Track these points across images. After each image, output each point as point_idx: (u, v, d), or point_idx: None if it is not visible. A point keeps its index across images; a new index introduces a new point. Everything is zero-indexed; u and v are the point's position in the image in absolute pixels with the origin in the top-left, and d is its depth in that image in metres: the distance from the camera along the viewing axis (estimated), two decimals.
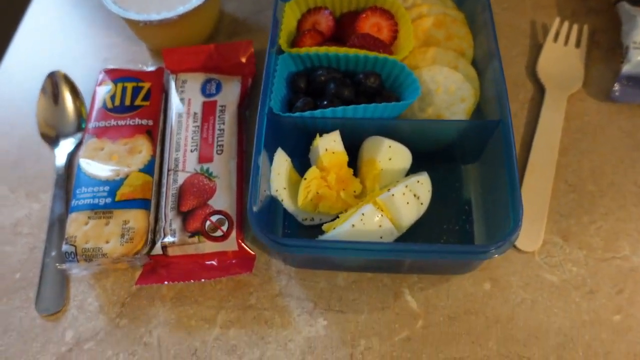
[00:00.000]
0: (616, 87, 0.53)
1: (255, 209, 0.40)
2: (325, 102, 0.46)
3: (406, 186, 0.42)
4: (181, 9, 0.53)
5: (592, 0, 0.62)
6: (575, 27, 0.59)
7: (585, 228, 0.48)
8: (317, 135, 0.45)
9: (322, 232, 0.44)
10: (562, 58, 0.57)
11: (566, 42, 0.58)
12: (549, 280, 0.45)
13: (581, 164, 0.51)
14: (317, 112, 0.45)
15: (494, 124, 0.44)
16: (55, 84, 0.55)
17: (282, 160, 0.45)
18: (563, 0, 0.62)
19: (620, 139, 0.52)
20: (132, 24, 0.55)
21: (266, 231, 0.39)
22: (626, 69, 0.53)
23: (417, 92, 0.47)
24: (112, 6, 0.54)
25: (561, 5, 0.62)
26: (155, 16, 0.53)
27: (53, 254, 0.47)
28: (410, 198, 0.42)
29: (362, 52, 0.48)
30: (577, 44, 0.58)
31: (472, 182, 0.49)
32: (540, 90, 0.56)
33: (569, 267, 0.46)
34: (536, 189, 0.49)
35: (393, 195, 0.41)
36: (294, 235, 0.47)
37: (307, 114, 0.45)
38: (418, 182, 0.43)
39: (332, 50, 0.48)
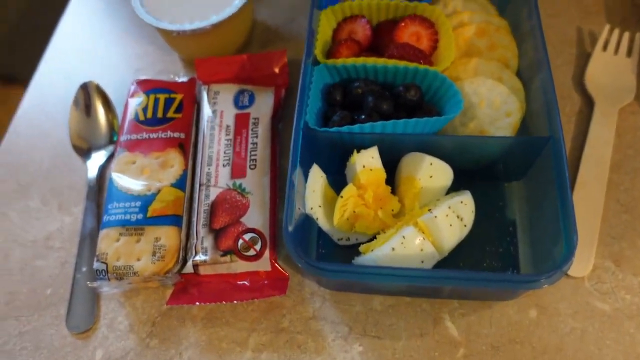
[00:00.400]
0: None
1: (290, 228, 0.38)
2: (363, 117, 0.44)
3: (449, 207, 0.40)
4: (214, 19, 0.52)
5: None
6: (626, 35, 0.55)
7: (639, 252, 0.45)
8: (355, 151, 0.43)
9: (358, 252, 0.43)
10: (612, 68, 0.54)
11: (616, 51, 0.55)
12: (600, 309, 0.42)
13: (634, 182, 0.48)
14: (356, 128, 0.43)
15: (543, 140, 0.42)
16: (87, 95, 0.55)
17: (317, 177, 0.44)
18: (613, 6, 0.59)
19: None
20: (165, 33, 0.54)
21: (302, 254, 0.37)
22: None
23: (459, 105, 0.44)
24: (146, 16, 0.53)
25: (610, 12, 0.59)
26: (188, 26, 0.52)
27: (84, 269, 0.46)
28: (454, 220, 0.40)
29: (401, 64, 0.46)
30: (629, 53, 0.55)
31: (516, 202, 0.47)
32: (588, 103, 0.53)
33: (622, 295, 0.43)
34: (586, 209, 0.46)
35: (436, 217, 0.39)
36: (329, 255, 0.46)
37: (344, 129, 0.43)
38: (461, 202, 0.41)
39: (370, 61, 0.46)
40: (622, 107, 0.52)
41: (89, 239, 0.48)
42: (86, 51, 0.62)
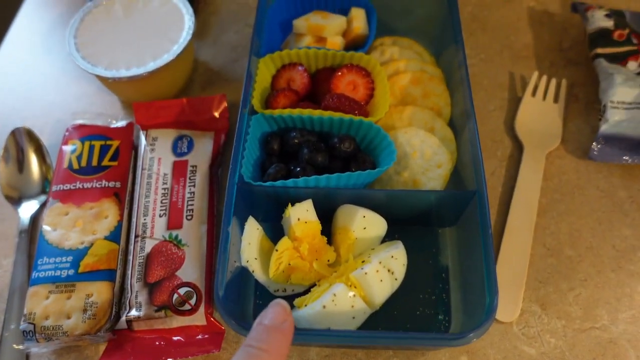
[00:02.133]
0: (594, 146, 0.53)
1: (221, 293, 0.38)
2: (298, 169, 0.45)
3: (380, 262, 0.41)
4: (152, 65, 0.52)
5: (571, 51, 0.62)
6: (553, 82, 0.58)
7: (563, 296, 0.47)
8: (289, 204, 0.44)
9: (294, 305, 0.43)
10: (540, 114, 0.56)
11: (544, 97, 0.58)
12: (527, 353, 0.44)
13: (559, 226, 0.50)
14: (290, 182, 0.43)
15: (470, 194, 0.43)
16: (18, 141, 0.53)
17: (253, 229, 0.44)
18: (542, 51, 0.62)
19: (598, 199, 0.52)
20: (102, 78, 0.53)
21: (234, 316, 0.37)
22: (604, 128, 0.52)
23: (392, 156, 0.46)
24: (81, 61, 0.52)
25: (540, 57, 0.62)
26: (124, 72, 0.51)
27: (12, 326, 0.44)
28: (384, 275, 0.41)
29: (336, 115, 0.47)
30: (555, 99, 0.57)
31: (449, 247, 0.48)
32: (518, 147, 0.55)
33: (547, 339, 0.45)
34: (514, 254, 0.48)
35: (366, 273, 0.40)
36: (266, 306, 0.45)
37: (278, 183, 0.43)
38: (392, 257, 0.42)
39: (306, 112, 0.47)
40: (550, 151, 0.54)
41: (18, 294, 0.46)
42: (21, 91, 0.60)
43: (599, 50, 0.56)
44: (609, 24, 0.57)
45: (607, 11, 0.58)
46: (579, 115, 0.57)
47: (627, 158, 0.52)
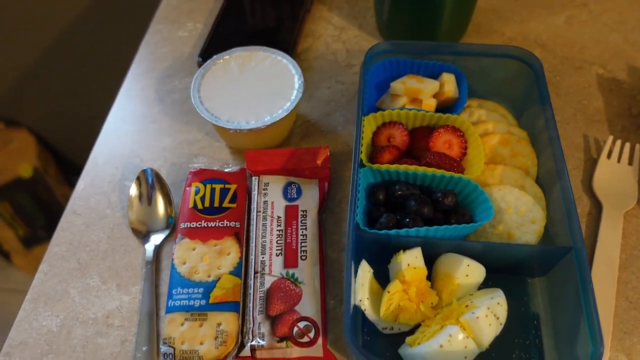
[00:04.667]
0: None
1: (348, 325, 0.43)
2: (407, 220, 0.50)
3: (488, 308, 0.45)
4: (268, 120, 0.58)
5: None
6: (627, 146, 0.63)
7: None
8: (401, 251, 0.49)
9: (399, 341, 0.47)
10: (616, 175, 0.61)
11: (619, 160, 0.62)
12: None
13: None
14: (403, 231, 0.48)
15: (565, 250, 0.48)
16: (148, 181, 0.59)
17: (365, 272, 0.49)
18: (613, 116, 0.67)
19: None
20: (221, 129, 0.59)
21: (364, 351, 0.42)
22: None
23: (489, 211, 0.50)
24: (206, 113, 0.59)
25: (611, 121, 0.67)
26: (244, 125, 0.58)
27: (144, 349, 0.49)
28: (492, 319, 0.45)
29: (438, 172, 0.52)
30: (630, 162, 0.62)
31: (539, 296, 0.52)
32: (596, 205, 0.59)
33: None
34: (600, 306, 0.52)
35: (477, 317, 0.44)
36: (373, 341, 0.50)
37: (392, 232, 0.49)
38: (498, 304, 0.46)
39: (411, 168, 0.53)
40: (627, 210, 0.59)
41: (147, 319, 0.51)
42: (138, 137, 0.67)
43: None
44: None
45: None
46: None
47: None
